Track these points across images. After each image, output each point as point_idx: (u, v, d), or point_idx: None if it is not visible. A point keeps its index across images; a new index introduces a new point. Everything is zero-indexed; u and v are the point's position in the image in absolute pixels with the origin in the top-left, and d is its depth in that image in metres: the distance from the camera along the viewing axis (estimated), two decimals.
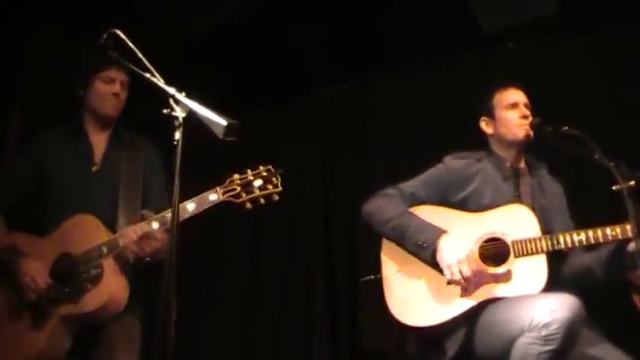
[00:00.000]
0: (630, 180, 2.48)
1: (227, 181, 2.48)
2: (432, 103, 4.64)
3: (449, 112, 4.52)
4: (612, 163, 2.52)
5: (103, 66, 2.82)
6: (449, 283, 2.58)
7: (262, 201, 2.45)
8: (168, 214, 2.49)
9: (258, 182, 2.44)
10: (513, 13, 4.11)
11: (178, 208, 2.00)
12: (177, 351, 1.86)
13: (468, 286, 2.56)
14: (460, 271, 2.53)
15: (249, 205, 2.45)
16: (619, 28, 4.07)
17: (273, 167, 2.47)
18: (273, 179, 2.44)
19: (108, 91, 2.83)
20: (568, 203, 2.89)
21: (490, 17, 4.16)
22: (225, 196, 2.46)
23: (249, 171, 2.48)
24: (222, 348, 4.75)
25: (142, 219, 2.63)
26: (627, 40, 4.04)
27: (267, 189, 2.43)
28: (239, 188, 2.45)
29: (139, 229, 2.55)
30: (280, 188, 2.44)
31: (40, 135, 2.94)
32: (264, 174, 2.45)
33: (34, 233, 2.80)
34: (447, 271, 2.55)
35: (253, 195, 2.43)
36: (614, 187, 2.50)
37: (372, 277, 3.10)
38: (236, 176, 2.48)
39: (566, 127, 2.65)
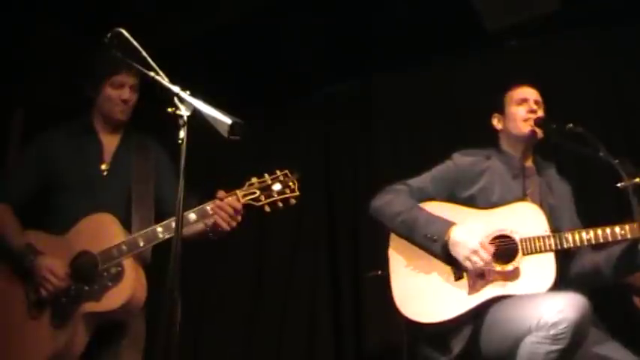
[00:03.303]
0: (635, 177, 2.48)
1: (246, 185, 2.53)
2: (434, 101, 4.63)
3: (452, 110, 4.52)
4: (617, 161, 2.52)
5: (113, 71, 2.80)
6: (470, 273, 2.57)
7: (280, 204, 2.51)
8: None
9: (276, 186, 2.50)
10: (516, 11, 4.11)
11: (182, 207, 1.99)
12: (182, 347, 1.85)
13: (490, 268, 2.55)
14: (481, 259, 2.52)
15: (267, 209, 2.51)
16: (622, 26, 4.06)
17: (289, 172, 2.53)
18: (291, 184, 2.51)
19: (117, 96, 2.82)
20: (574, 202, 2.88)
21: (493, 16, 4.15)
22: (245, 199, 2.51)
23: (266, 175, 2.52)
24: (225, 346, 4.75)
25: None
26: (631, 37, 4.02)
27: (285, 193, 2.50)
28: (258, 192, 2.50)
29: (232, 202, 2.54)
30: (298, 193, 2.51)
31: (49, 131, 2.92)
32: (282, 178, 2.51)
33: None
34: (467, 263, 2.54)
35: (273, 199, 2.50)
36: (618, 185, 2.49)
37: (379, 272, 3.09)
38: (254, 179, 2.53)
39: (570, 125, 2.65)
